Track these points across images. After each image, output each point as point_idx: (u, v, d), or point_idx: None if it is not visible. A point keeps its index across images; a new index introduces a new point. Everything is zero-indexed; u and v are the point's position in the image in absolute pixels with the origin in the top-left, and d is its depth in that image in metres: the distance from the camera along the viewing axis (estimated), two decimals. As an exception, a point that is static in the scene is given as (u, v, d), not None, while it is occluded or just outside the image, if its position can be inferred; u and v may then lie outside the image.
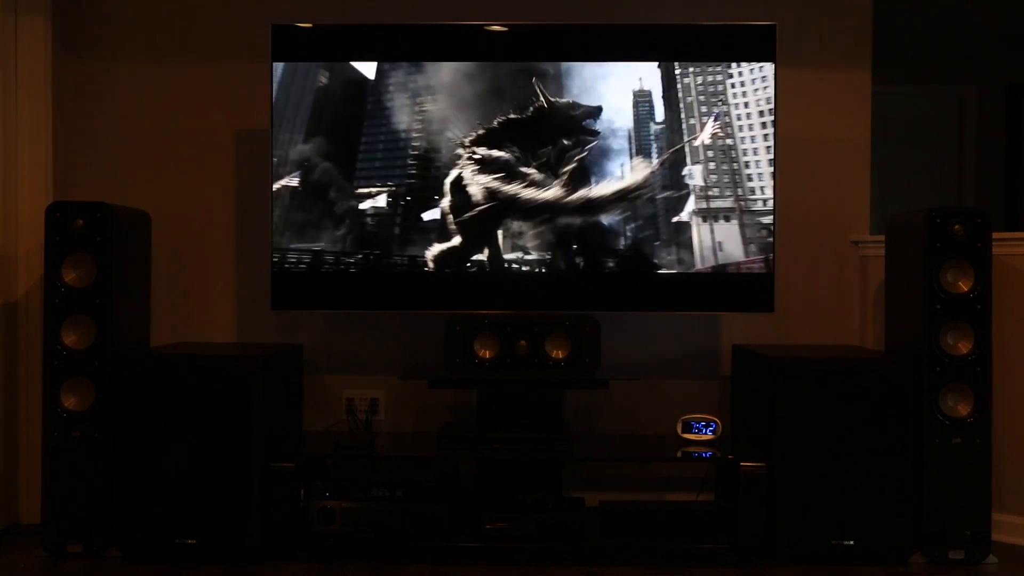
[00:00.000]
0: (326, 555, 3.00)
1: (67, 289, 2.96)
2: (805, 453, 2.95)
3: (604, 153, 3.20)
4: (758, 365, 3.14)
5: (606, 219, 3.20)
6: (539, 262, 3.21)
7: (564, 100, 3.20)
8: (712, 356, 3.57)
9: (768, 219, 3.19)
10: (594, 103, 3.20)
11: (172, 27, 3.58)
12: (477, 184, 3.21)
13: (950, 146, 5.28)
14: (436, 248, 3.22)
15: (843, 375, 2.97)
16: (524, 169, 3.21)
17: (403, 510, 3.00)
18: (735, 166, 3.19)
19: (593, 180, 3.20)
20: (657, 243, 3.20)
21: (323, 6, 3.54)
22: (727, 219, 3.20)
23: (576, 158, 3.21)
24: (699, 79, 3.19)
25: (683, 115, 3.19)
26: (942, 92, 5.27)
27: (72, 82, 3.55)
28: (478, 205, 3.22)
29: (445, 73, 3.20)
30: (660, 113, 3.19)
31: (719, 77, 3.19)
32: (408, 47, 3.23)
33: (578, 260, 3.22)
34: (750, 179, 3.19)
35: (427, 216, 3.21)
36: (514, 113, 3.21)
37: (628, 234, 3.21)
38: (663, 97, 3.19)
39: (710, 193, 3.19)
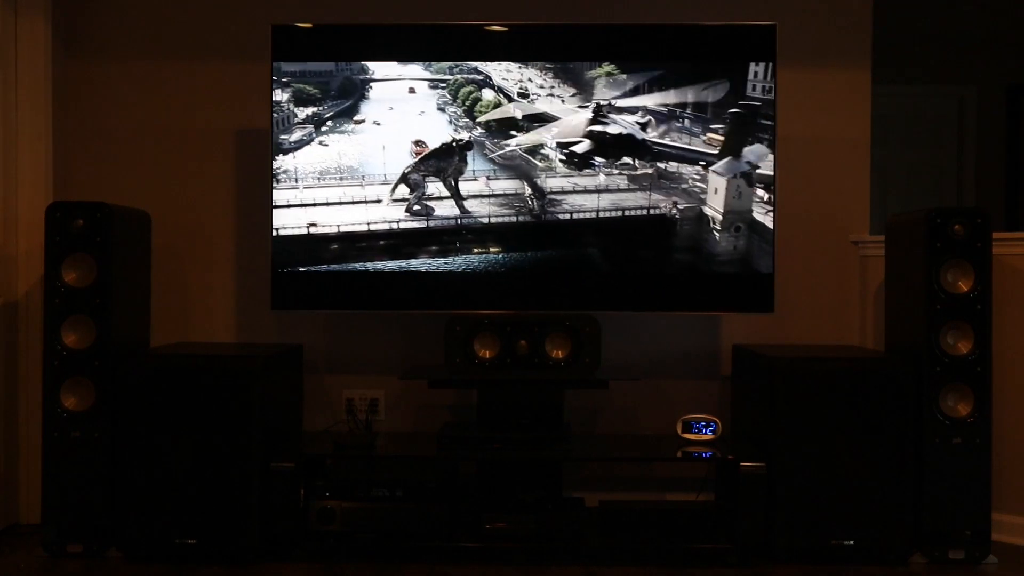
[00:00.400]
0: (326, 555, 3.00)
1: (67, 289, 2.96)
2: (805, 453, 2.95)
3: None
4: (758, 365, 3.14)
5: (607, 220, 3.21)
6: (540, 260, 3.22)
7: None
8: (712, 356, 3.57)
9: (768, 219, 3.18)
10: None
11: (172, 27, 3.58)
12: (477, 182, 3.22)
13: (950, 146, 5.28)
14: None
15: (843, 375, 2.97)
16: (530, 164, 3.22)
17: (403, 510, 3.00)
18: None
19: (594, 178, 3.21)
20: (657, 243, 3.20)
21: (323, 6, 3.54)
22: (727, 219, 3.20)
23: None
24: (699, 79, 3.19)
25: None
26: (942, 92, 5.27)
27: (72, 82, 3.55)
28: (478, 202, 3.22)
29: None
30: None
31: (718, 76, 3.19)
32: (409, 47, 3.23)
33: (578, 260, 3.22)
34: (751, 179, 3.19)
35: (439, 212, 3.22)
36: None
37: (628, 234, 3.21)
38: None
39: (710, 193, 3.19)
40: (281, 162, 3.22)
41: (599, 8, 3.53)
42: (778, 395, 2.96)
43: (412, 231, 3.24)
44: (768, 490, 2.94)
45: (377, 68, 3.21)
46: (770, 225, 3.19)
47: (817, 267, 3.58)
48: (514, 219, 3.22)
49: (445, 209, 3.23)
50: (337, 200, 3.23)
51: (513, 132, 3.22)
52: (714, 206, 3.19)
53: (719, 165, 3.18)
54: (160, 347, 3.30)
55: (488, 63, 3.21)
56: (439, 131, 3.23)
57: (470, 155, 3.22)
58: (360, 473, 3.10)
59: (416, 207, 3.21)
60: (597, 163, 3.20)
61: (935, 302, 2.94)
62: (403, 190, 3.22)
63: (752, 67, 3.17)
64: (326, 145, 3.23)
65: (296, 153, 3.23)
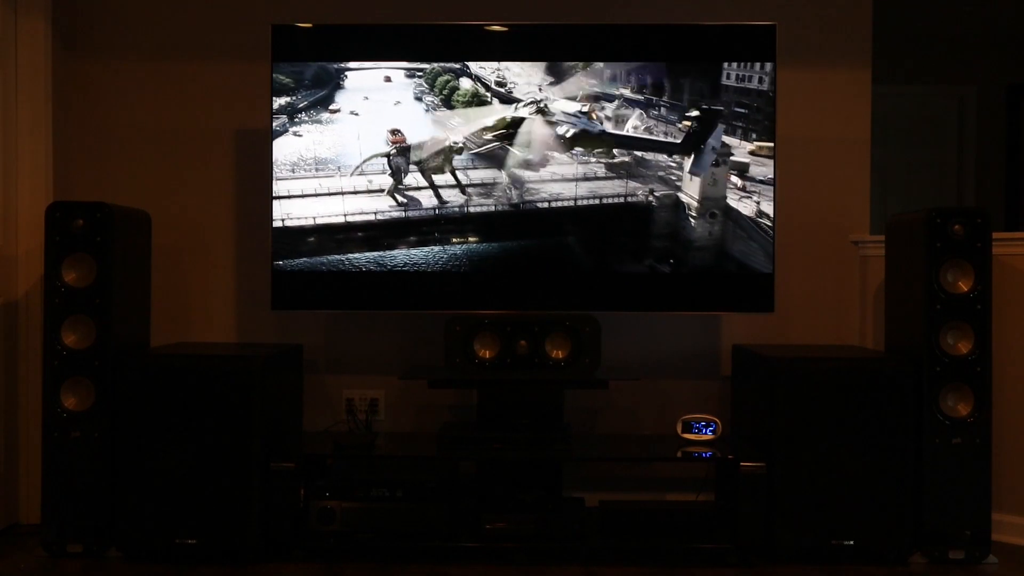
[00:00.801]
0: (326, 555, 3.00)
1: (67, 289, 2.96)
2: (805, 453, 2.95)
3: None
4: (758, 365, 3.14)
5: (608, 219, 3.21)
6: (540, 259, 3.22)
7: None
8: (712, 356, 3.57)
9: (768, 219, 3.18)
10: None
11: (172, 27, 3.58)
12: (477, 180, 3.22)
13: (950, 146, 5.28)
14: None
15: (843, 375, 2.97)
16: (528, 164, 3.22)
17: (403, 510, 3.00)
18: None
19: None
20: (657, 243, 3.20)
21: (323, 6, 3.54)
22: (727, 219, 3.20)
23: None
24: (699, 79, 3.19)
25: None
26: (942, 92, 5.27)
27: (72, 82, 3.55)
28: (477, 203, 3.22)
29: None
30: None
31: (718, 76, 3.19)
32: (409, 47, 3.23)
33: (578, 259, 3.22)
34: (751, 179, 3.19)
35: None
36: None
37: (629, 234, 3.21)
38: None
39: (710, 192, 3.19)
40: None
41: (599, 8, 3.53)
42: (778, 395, 2.96)
43: (393, 221, 3.22)
44: (768, 490, 2.94)
45: (383, 69, 3.22)
46: (745, 212, 3.18)
47: (817, 267, 3.58)
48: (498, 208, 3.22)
49: (427, 199, 3.23)
50: (313, 192, 3.22)
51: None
52: (690, 193, 3.19)
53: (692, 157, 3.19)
54: (160, 347, 3.30)
55: (491, 63, 3.20)
56: (417, 121, 3.21)
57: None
58: (360, 473, 3.10)
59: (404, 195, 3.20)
60: (575, 152, 3.19)
61: (935, 302, 2.94)
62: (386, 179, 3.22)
63: (726, 66, 3.17)
64: (300, 136, 3.22)
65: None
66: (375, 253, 3.22)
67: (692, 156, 3.19)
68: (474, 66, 3.20)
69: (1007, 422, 3.19)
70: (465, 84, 3.20)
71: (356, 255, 3.22)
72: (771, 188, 3.19)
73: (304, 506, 2.99)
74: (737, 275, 3.21)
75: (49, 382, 2.96)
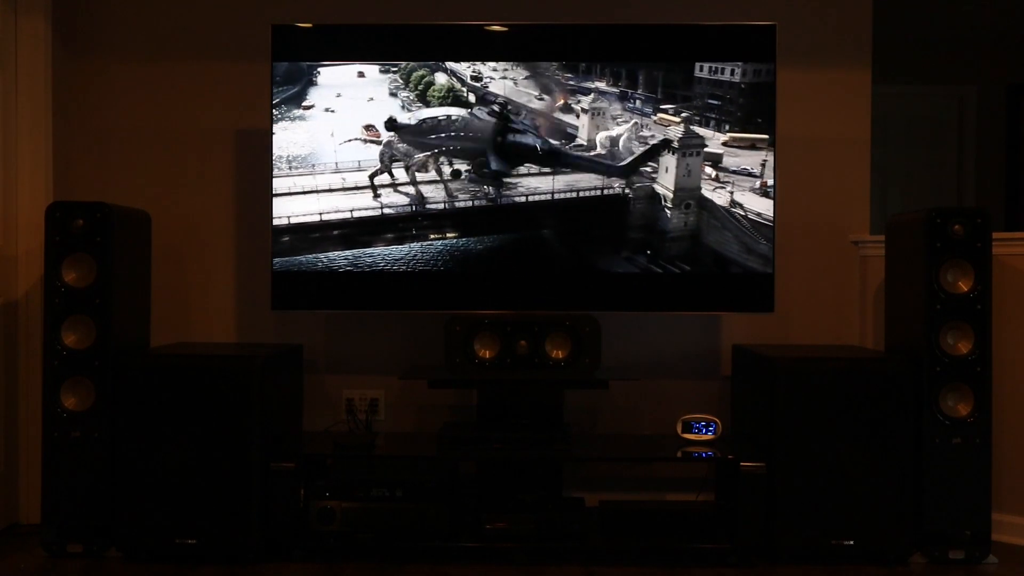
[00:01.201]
0: (326, 555, 3.00)
1: (67, 289, 2.96)
2: (805, 453, 2.95)
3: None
4: (758, 365, 3.14)
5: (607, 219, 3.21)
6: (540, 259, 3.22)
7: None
8: (712, 356, 3.57)
9: (768, 219, 3.18)
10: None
11: (172, 27, 3.58)
12: (479, 182, 3.22)
13: (950, 146, 5.28)
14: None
15: (843, 375, 2.97)
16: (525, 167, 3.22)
17: (403, 510, 3.00)
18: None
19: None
20: (657, 242, 3.20)
21: (323, 6, 3.54)
22: (727, 218, 3.20)
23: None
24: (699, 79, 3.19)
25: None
26: (942, 92, 5.27)
27: (72, 82, 3.55)
28: (478, 203, 3.22)
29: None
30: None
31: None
32: (410, 47, 3.23)
33: (578, 260, 3.22)
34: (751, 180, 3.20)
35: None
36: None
37: (629, 233, 3.21)
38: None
39: (710, 192, 3.19)
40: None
41: (599, 8, 3.53)
42: (778, 395, 2.96)
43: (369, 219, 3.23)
44: (768, 490, 2.94)
45: (383, 68, 3.22)
46: (718, 202, 3.18)
47: (817, 267, 3.58)
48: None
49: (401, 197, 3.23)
50: (287, 191, 3.23)
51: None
52: (714, 203, 3.19)
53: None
54: (160, 347, 3.30)
55: (499, 63, 3.20)
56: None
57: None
58: (360, 473, 3.10)
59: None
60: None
61: (935, 302, 2.94)
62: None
63: (698, 65, 3.17)
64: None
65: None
66: (376, 249, 3.22)
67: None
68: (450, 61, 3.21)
69: (1007, 422, 3.19)
70: (441, 79, 3.19)
71: (358, 254, 3.22)
72: (746, 178, 3.18)
73: (304, 506, 2.99)
74: (737, 275, 3.20)
75: (49, 382, 2.96)
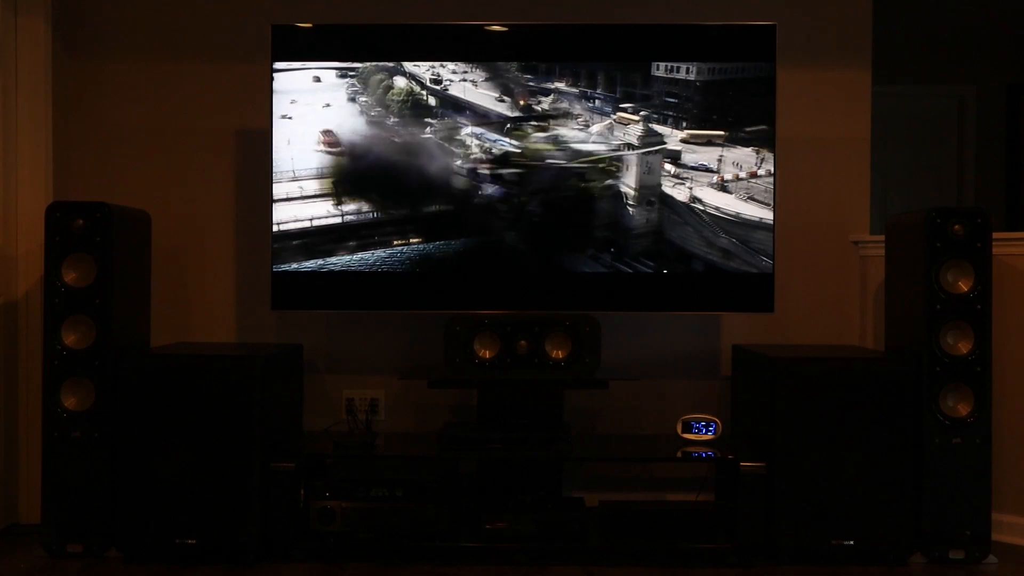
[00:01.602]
0: (326, 555, 3.00)
1: (67, 289, 2.96)
2: (805, 453, 2.95)
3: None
4: (758, 365, 3.14)
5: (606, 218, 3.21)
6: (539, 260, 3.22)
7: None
8: (712, 356, 3.57)
9: (768, 219, 3.18)
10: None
11: (172, 27, 3.58)
12: (479, 183, 3.22)
13: (950, 146, 5.28)
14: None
15: (843, 375, 2.97)
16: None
17: (403, 510, 3.00)
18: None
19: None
20: (657, 242, 3.20)
21: (323, 6, 3.54)
22: (727, 218, 3.19)
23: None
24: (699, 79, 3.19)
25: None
26: (942, 92, 5.27)
27: (72, 82, 3.55)
28: (478, 204, 3.22)
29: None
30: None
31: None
32: (410, 47, 3.22)
33: (577, 260, 3.22)
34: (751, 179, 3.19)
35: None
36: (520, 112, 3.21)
37: (628, 233, 3.21)
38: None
39: (710, 192, 3.19)
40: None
41: (600, 7, 3.53)
42: (778, 395, 2.96)
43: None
44: (768, 490, 2.94)
45: (384, 68, 3.21)
46: (679, 198, 3.18)
47: (817, 267, 3.58)
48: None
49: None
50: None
51: (427, 119, 3.20)
52: (714, 203, 3.20)
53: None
54: (160, 347, 3.30)
55: (522, 62, 3.20)
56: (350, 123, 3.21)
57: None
58: (360, 473, 3.10)
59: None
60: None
61: (935, 302, 2.94)
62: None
63: (655, 64, 3.17)
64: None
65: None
66: (376, 252, 3.22)
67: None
68: (408, 64, 3.20)
69: (1007, 422, 3.19)
70: (400, 83, 3.19)
71: (357, 255, 3.23)
72: (703, 174, 3.18)
73: (304, 506, 2.99)
74: (737, 275, 3.20)
75: (49, 382, 2.96)
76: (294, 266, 3.21)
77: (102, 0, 3.57)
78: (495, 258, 3.22)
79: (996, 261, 3.02)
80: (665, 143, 3.19)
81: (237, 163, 3.59)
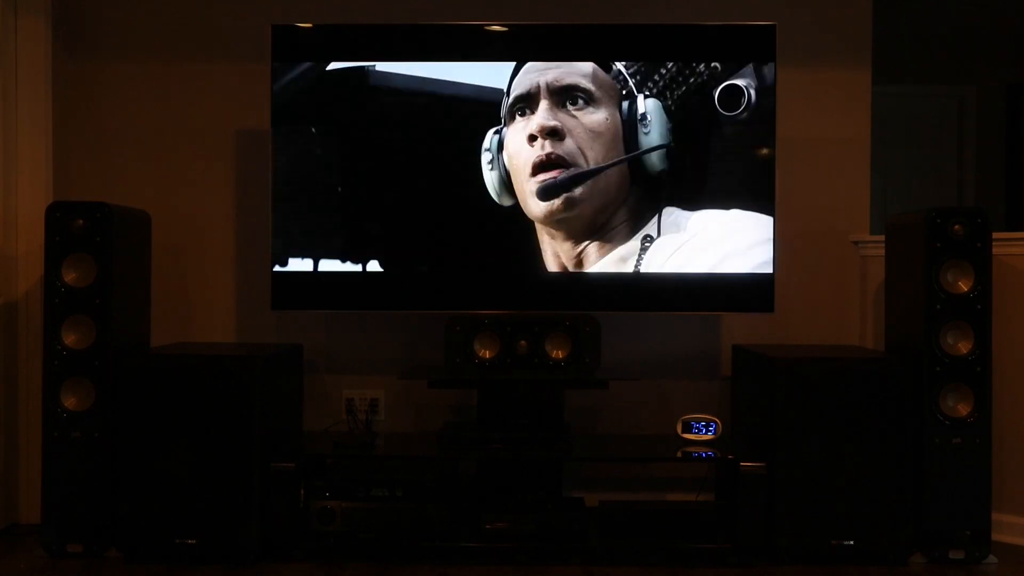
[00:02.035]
0: (326, 555, 3.00)
1: (67, 289, 2.96)
2: (805, 453, 2.95)
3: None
4: (758, 365, 3.14)
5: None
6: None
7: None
8: (712, 356, 3.57)
9: (768, 219, 3.18)
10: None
11: (172, 27, 3.58)
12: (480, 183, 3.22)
13: (950, 146, 5.27)
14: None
15: (843, 375, 2.97)
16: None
17: (403, 510, 3.00)
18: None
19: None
20: (657, 242, 3.20)
21: (323, 6, 3.54)
22: (727, 218, 3.19)
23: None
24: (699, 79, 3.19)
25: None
26: (942, 92, 5.26)
27: (72, 82, 3.55)
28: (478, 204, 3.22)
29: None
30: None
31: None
32: (410, 47, 3.22)
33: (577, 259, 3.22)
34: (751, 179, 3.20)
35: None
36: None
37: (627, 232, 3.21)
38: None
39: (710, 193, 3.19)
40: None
41: (600, 7, 3.53)
42: (778, 395, 2.96)
43: None
44: (768, 490, 2.94)
45: (381, 68, 3.21)
46: None
47: (817, 267, 3.58)
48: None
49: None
50: None
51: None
52: (714, 203, 3.19)
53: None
54: (160, 347, 3.30)
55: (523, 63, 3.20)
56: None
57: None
58: (360, 473, 3.10)
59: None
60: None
61: (935, 302, 2.94)
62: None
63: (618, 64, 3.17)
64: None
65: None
66: (376, 252, 3.23)
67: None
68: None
69: (1007, 422, 3.19)
70: None
71: (357, 255, 3.23)
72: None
73: (304, 506, 2.99)
74: (737, 275, 3.20)
75: (49, 382, 2.96)
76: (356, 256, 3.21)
77: (102, 0, 3.57)
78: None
79: (996, 261, 3.02)
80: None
81: (237, 163, 3.59)
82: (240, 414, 2.93)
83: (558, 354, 3.16)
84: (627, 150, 3.15)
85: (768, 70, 3.17)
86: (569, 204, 3.13)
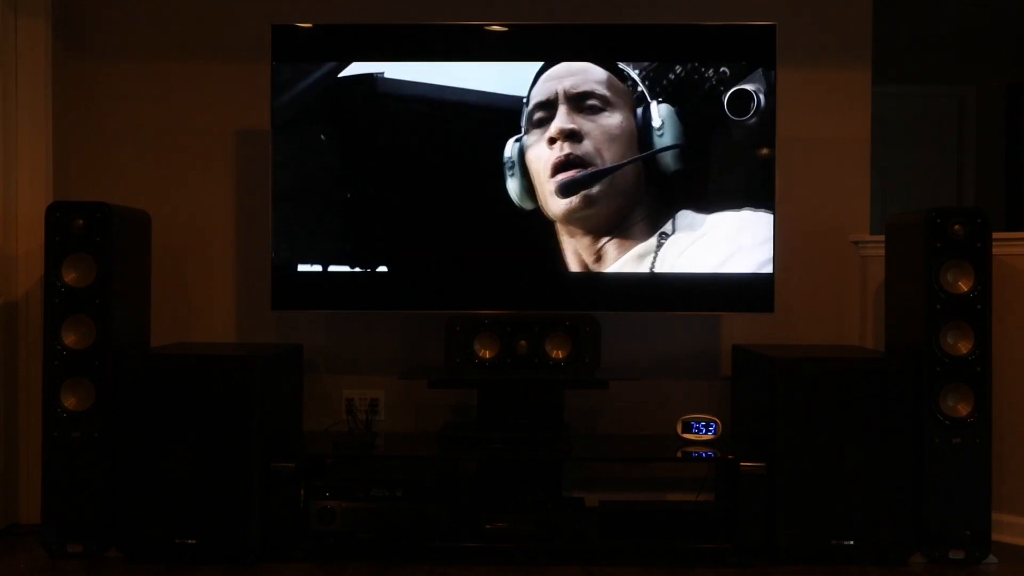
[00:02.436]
0: (326, 555, 3.00)
1: (67, 289, 2.96)
2: (805, 453, 2.95)
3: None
4: (758, 365, 3.14)
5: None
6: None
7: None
8: (712, 356, 3.57)
9: (769, 219, 3.18)
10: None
11: (172, 27, 3.58)
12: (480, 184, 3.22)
13: (950, 146, 5.27)
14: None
15: (843, 375, 2.97)
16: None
17: (403, 510, 3.00)
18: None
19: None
20: (671, 238, 3.20)
21: (323, 6, 3.54)
22: (727, 219, 3.19)
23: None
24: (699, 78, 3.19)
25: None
26: (942, 92, 5.26)
27: (72, 82, 3.55)
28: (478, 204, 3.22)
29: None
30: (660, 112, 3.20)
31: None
32: (410, 47, 3.22)
33: (577, 259, 3.22)
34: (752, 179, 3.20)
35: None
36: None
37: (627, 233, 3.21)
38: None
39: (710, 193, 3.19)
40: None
41: (600, 7, 3.53)
42: (778, 395, 2.96)
43: None
44: (768, 490, 2.94)
45: (383, 69, 3.21)
46: None
47: (817, 267, 3.58)
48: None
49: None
50: None
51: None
52: (714, 203, 3.19)
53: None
54: (160, 347, 3.30)
55: (524, 63, 3.21)
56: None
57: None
58: (360, 473, 3.10)
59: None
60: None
61: (935, 302, 2.94)
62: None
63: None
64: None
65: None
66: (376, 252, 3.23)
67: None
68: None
69: (1007, 422, 3.19)
70: None
71: (356, 255, 3.23)
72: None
73: (304, 506, 2.99)
74: (737, 275, 3.20)
75: (49, 382, 2.96)
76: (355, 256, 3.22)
77: (102, 0, 3.57)
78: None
79: (996, 261, 3.02)
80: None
81: (237, 163, 3.58)
82: (240, 414, 2.93)
83: (558, 354, 3.16)
84: (641, 152, 3.19)
85: (768, 71, 3.17)
86: (587, 201, 3.18)
